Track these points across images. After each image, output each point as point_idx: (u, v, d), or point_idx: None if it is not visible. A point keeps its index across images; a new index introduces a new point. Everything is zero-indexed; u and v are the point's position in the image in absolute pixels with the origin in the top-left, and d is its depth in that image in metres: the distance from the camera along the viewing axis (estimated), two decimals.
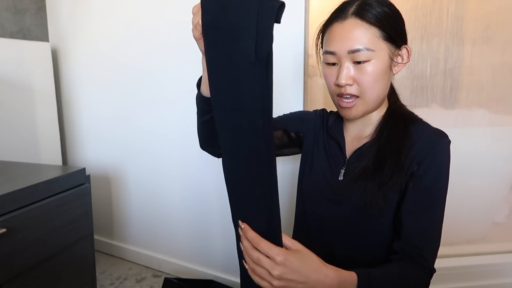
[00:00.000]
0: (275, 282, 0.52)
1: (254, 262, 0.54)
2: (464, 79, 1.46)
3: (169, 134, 1.68)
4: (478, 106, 1.48)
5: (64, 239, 1.08)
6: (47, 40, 1.94)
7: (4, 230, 0.87)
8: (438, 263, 0.65)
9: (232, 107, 0.54)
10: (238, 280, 1.59)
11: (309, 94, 1.40)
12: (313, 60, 1.38)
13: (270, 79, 0.54)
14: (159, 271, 1.81)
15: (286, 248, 0.55)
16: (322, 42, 0.75)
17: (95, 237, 1.90)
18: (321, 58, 0.75)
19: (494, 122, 1.50)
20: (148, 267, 1.85)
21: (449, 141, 0.70)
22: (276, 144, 0.89)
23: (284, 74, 1.36)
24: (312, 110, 0.92)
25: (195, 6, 0.56)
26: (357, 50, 0.65)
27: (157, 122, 1.71)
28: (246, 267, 0.56)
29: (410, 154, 0.69)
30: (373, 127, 0.76)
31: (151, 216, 1.82)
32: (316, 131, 0.86)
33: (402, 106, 0.78)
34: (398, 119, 0.74)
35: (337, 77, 0.68)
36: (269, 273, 0.52)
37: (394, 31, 0.68)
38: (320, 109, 0.91)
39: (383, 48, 0.67)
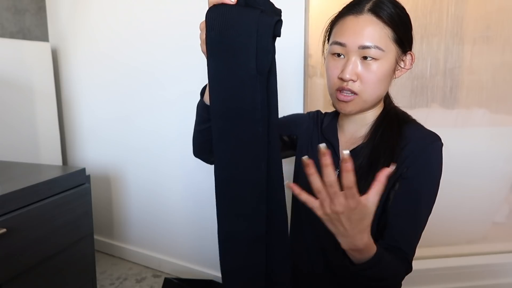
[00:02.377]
0: (329, 210, 0.52)
1: (329, 185, 0.51)
2: (464, 79, 1.46)
3: (169, 133, 1.68)
4: (478, 106, 1.49)
5: (64, 239, 1.08)
6: (47, 40, 1.94)
7: (4, 230, 0.87)
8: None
9: (233, 117, 0.57)
10: None
11: (309, 94, 1.40)
12: (313, 60, 1.38)
13: (273, 89, 0.58)
14: (159, 271, 1.81)
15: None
16: (329, 34, 0.74)
17: (95, 237, 1.90)
18: (325, 50, 0.75)
19: (494, 122, 1.50)
20: (148, 267, 1.85)
21: (442, 144, 0.70)
22: None
23: (284, 74, 1.35)
24: (305, 112, 0.92)
25: (202, 22, 0.58)
26: (368, 47, 0.66)
27: (157, 122, 1.71)
28: (313, 181, 0.52)
29: (402, 154, 0.69)
30: (367, 128, 0.75)
31: (151, 216, 1.82)
32: (310, 133, 0.86)
33: (396, 108, 0.78)
34: (392, 119, 0.74)
35: (342, 71, 0.68)
36: (331, 201, 0.51)
37: (404, 35, 0.69)
38: (314, 111, 0.91)
39: (392, 49, 0.68)
